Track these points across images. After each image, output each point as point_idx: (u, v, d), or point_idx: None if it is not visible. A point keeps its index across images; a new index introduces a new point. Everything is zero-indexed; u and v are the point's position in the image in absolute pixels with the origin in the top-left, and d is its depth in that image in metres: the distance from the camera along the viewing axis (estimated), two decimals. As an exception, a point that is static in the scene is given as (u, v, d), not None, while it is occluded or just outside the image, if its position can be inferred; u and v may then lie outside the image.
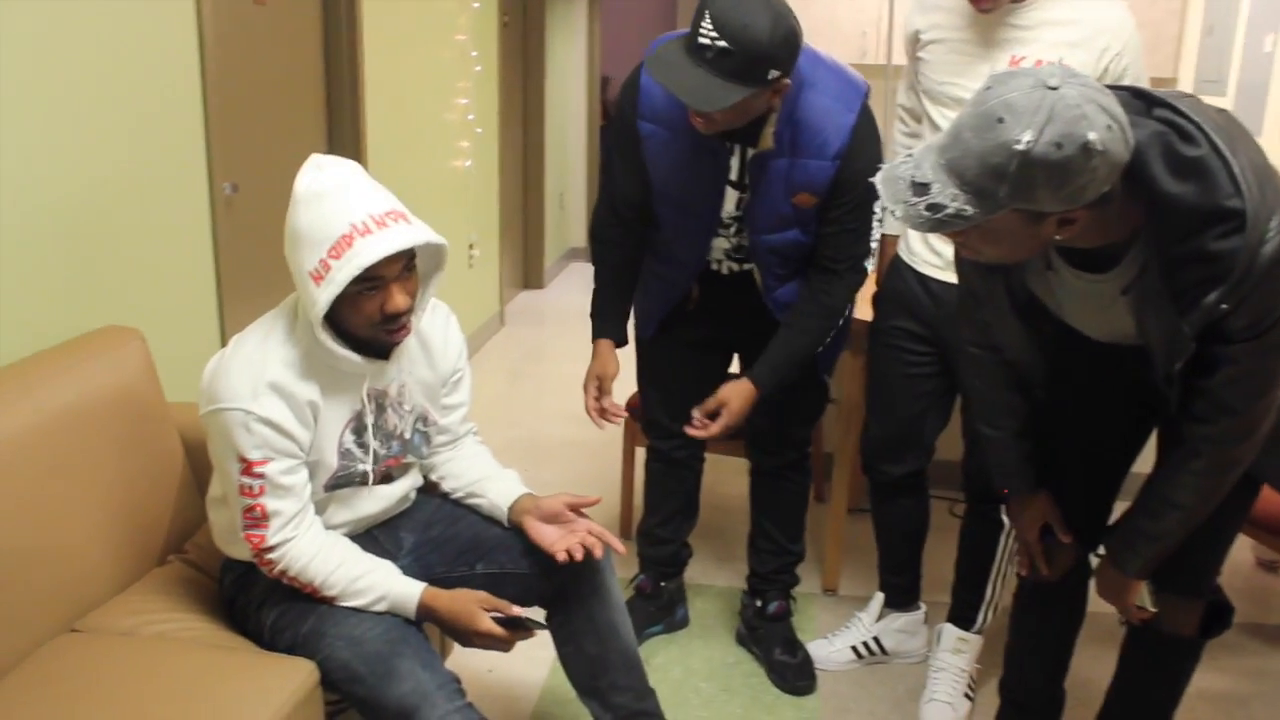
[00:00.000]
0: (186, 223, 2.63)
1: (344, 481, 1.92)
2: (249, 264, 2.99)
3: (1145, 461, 1.96)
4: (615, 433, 3.61)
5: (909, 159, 1.47)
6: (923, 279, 2.45)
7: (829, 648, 2.75)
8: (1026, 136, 1.34)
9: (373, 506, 2.01)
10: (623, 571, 2.49)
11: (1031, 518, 1.99)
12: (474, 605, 1.85)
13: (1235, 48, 3.98)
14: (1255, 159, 1.46)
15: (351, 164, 1.79)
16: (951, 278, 2.37)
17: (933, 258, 2.42)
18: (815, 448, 2.78)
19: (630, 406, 3.25)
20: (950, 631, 2.60)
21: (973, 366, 1.97)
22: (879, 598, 2.77)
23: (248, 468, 1.76)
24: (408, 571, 1.92)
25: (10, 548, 1.76)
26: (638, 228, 2.44)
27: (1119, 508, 1.97)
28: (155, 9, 2.43)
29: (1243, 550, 3.31)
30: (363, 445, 1.92)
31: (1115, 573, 1.84)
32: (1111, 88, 1.47)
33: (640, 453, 3.19)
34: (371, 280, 1.73)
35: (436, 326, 2.04)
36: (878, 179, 1.50)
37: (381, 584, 1.86)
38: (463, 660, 2.44)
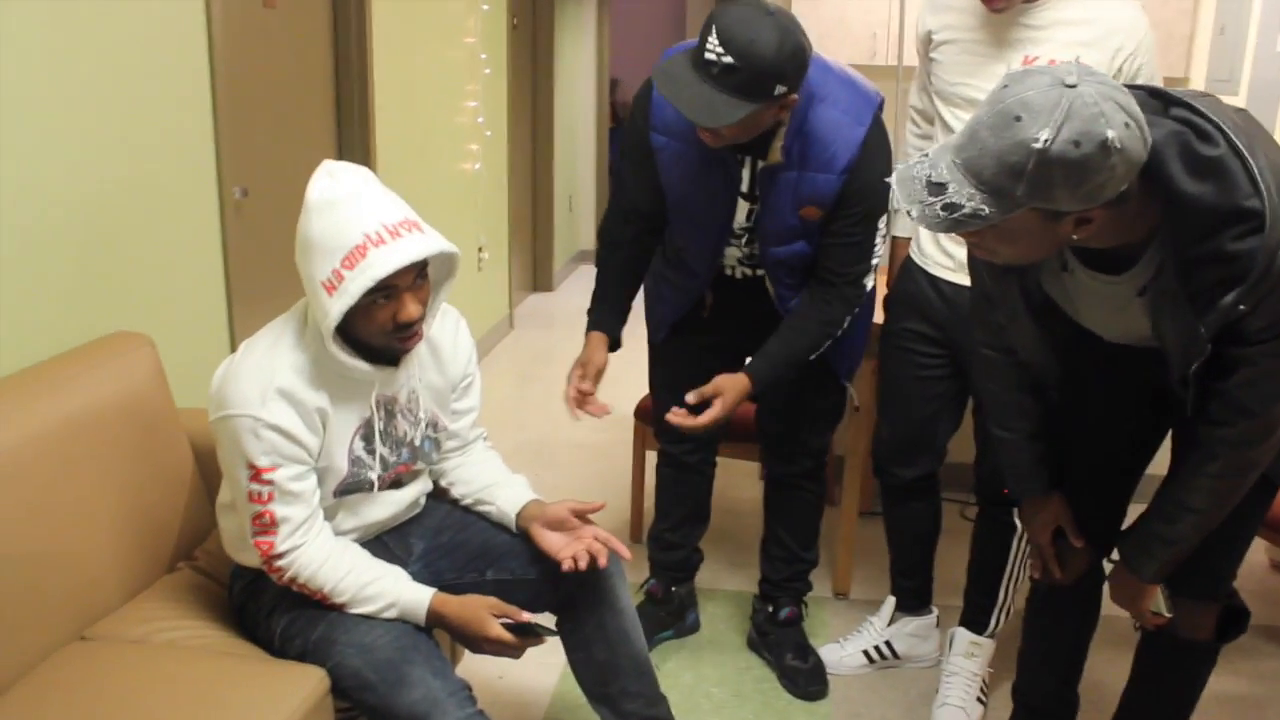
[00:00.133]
0: (196, 227, 2.63)
1: (354, 488, 1.92)
2: (259, 269, 2.98)
3: (1159, 464, 1.95)
4: (625, 436, 3.60)
5: (924, 159, 1.46)
6: (934, 281, 2.44)
7: (840, 652, 2.74)
8: (1044, 135, 1.32)
9: (382, 512, 2.00)
10: (633, 576, 2.48)
11: (1044, 521, 1.97)
12: (484, 611, 1.84)
13: (1248, 47, 3.96)
14: (1274, 159, 1.45)
15: (364, 171, 1.78)
16: (963, 280, 2.36)
17: (944, 259, 2.41)
18: (828, 453, 2.77)
19: (640, 410, 3.25)
20: (963, 635, 2.59)
21: (986, 368, 1.96)
22: (890, 601, 2.76)
23: (256, 474, 1.76)
24: (417, 578, 1.91)
25: (20, 555, 1.76)
26: (648, 236, 2.44)
27: (1133, 511, 1.96)
28: (164, 12, 2.43)
29: (1256, 553, 3.29)
30: (373, 452, 1.91)
31: (1130, 578, 1.83)
32: (1128, 87, 1.45)
33: (650, 456, 3.19)
34: (385, 290, 1.72)
35: (446, 331, 2.03)
36: (893, 179, 1.49)
37: (391, 590, 1.85)
38: (473, 667, 2.44)
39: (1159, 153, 1.44)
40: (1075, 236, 1.45)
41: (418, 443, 2.00)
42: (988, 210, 1.39)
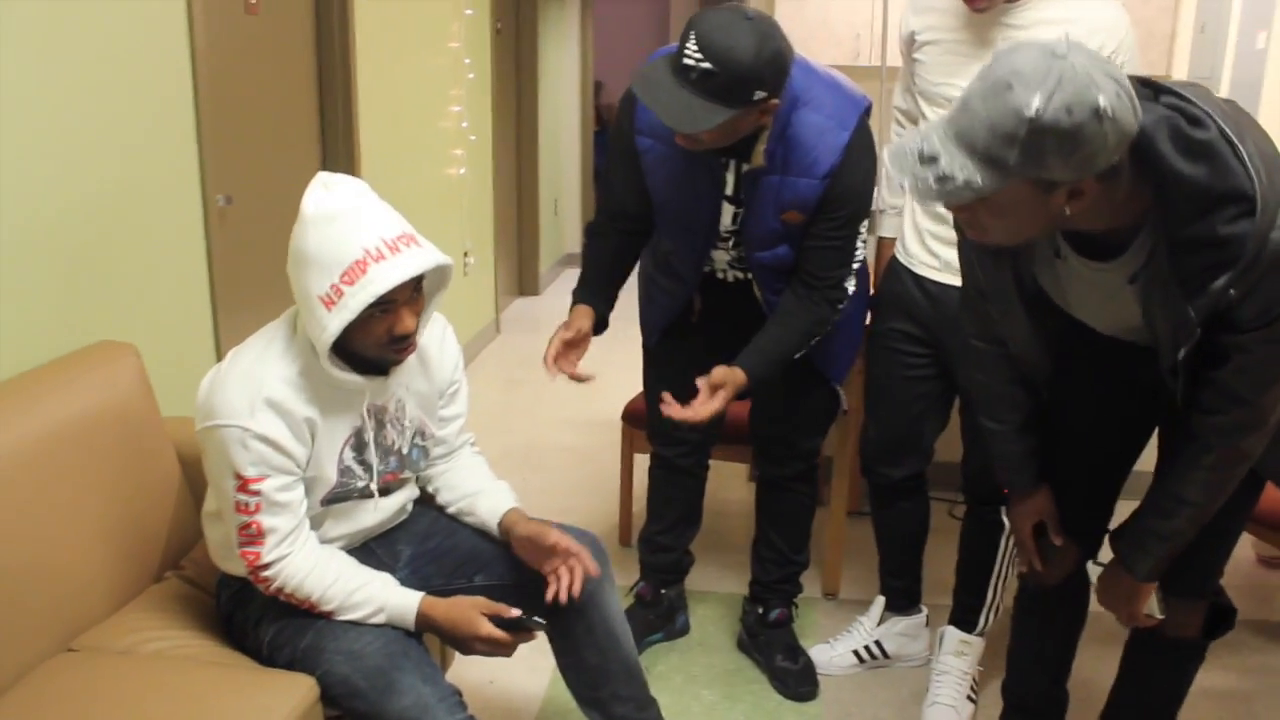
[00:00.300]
0: (180, 235, 2.62)
1: (341, 496, 1.91)
2: (244, 276, 2.97)
3: (1145, 461, 1.96)
4: (613, 439, 3.60)
5: (916, 132, 1.46)
6: (920, 281, 2.44)
7: (831, 652, 2.74)
8: (1036, 102, 1.32)
9: (370, 520, 1.99)
10: (623, 579, 2.48)
11: (1025, 512, 1.97)
12: (473, 611, 1.84)
13: (1228, 45, 3.99)
14: (1263, 146, 1.45)
15: (360, 183, 1.77)
16: (949, 279, 2.37)
17: (929, 259, 2.42)
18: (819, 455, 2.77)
19: (629, 412, 3.25)
20: (952, 634, 2.59)
21: (977, 360, 1.96)
22: (880, 601, 2.76)
23: (244, 485, 1.75)
24: (405, 584, 1.90)
25: (4, 567, 1.74)
26: (635, 237, 2.44)
27: (1121, 510, 1.97)
28: (146, 18, 2.42)
29: (1244, 548, 3.31)
30: (362, 462, 1.91)
31: (1126, 578, 1.82)
32: None
33: (638, 459, 3.19)
34: (383, 304, 1.72)
35: (433, 338, 2.03)
36: (885, 154, 1.48)
37: (379, 595, 1.85)
38: (463, 672, 2.43)
39: (1150, 135, 1.45)
40: (1068, 211, 1.44)
41: (405, 451, 1.99)
42: (980, 180, 1.38)
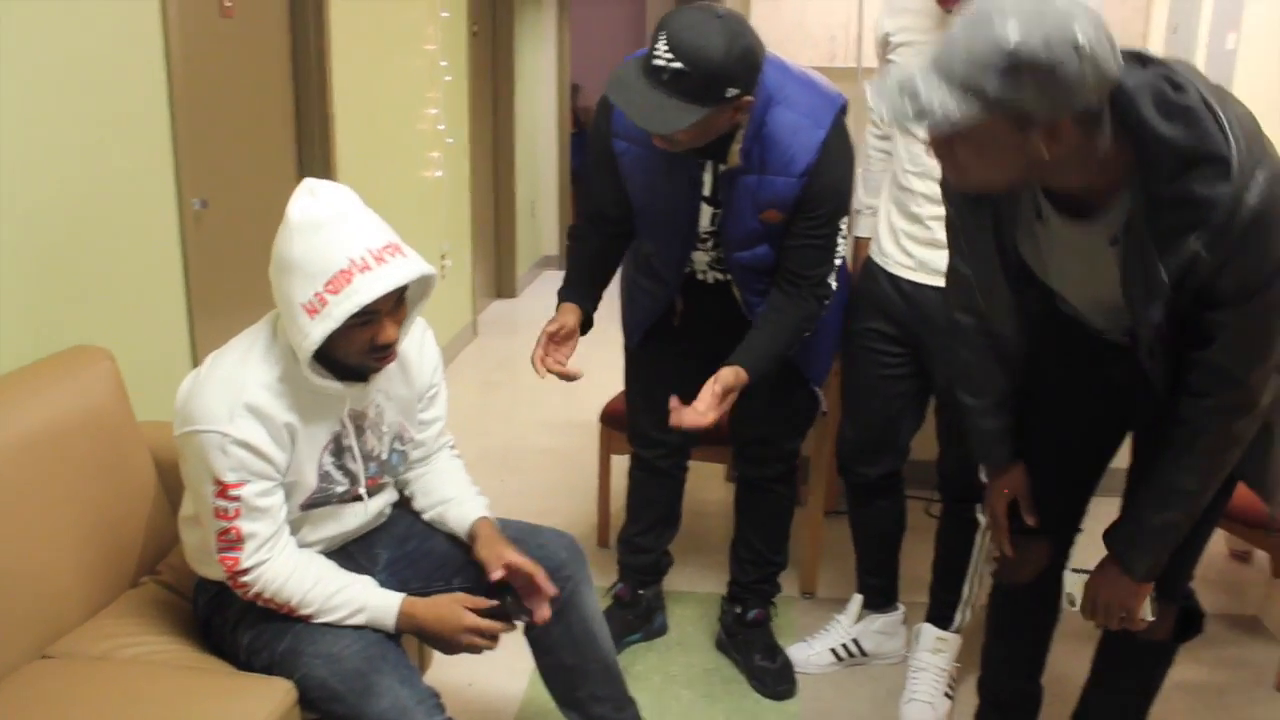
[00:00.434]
0: (155, 239, 2.60)
1: (321, 501, 1.91)
2: (220, 281, 2.96)
3: (1121, 458, 1.98)
4: (590, 441, 3.61)
5: (900, 67, 1.47)
6: (895, 280, 2.46)
7: (808, 651, 2.75)
8: (1015, 35, 1.34)
9: (349, 524, 1.99)
10: (601, 580, 2.49)
11: (999, 485, 1.97)
12: (456, 605, 1.85)
13: (1199, 46, 4.02)
14: (1244, 118, 1.47)
15: (345, 191, 1.77)
16: (924, 278, 2.39)
17: (904, 259, 2.44)
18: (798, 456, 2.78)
19: (607, 414, 3.25)
20: (929, 631, 2.61)
21: (960, 334, 1.95)
22: (857, 599, 2.77)
23: (223, 490, 1.75)
24: (383, 587, 1.90)
25: (-20, 573, 1.74)
26: (617, 239, 2.45)
27: (1099, 513, 1.99)
28: (120, 20, 2.41)
29: (1216, 543, 3.33)
30: (342, 468, 1.91)
31: (1124, 579, 1.79)
32: None
33: (616, 461, 3.19)
34: (366, 314, 1.72)
35: (413, 341, 2.02)
36: (869, 91, 1.48)
37: (359, 597, 1.85)
38: (442, 675, 2.43)
39: (1133, 96, 1.47)
40: (1046, 155, 1.45)
41: (385, 456, 1.99)
42: (957, 111, 1.40)
